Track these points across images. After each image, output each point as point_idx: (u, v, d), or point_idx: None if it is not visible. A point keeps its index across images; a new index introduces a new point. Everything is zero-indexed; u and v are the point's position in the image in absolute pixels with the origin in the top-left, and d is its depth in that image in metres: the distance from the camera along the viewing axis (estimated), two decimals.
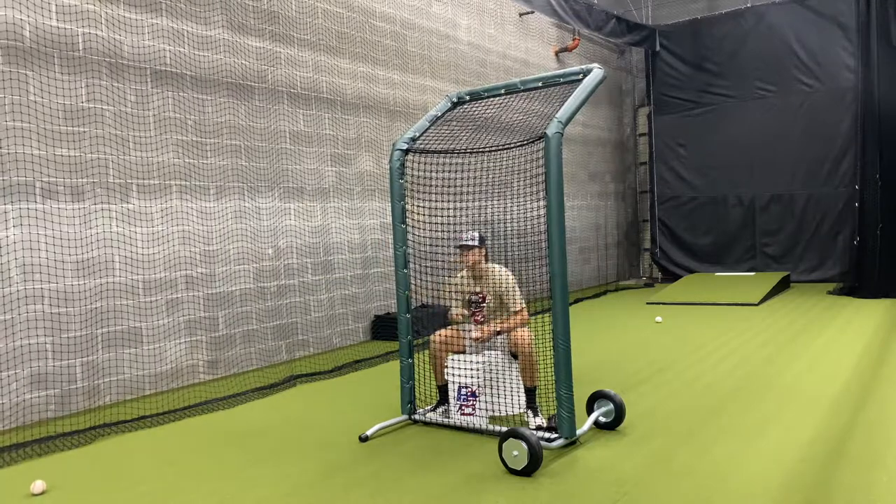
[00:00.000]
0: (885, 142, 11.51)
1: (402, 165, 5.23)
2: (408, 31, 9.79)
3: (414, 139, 5.29)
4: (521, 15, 12.30)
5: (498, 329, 5.06)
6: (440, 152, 5.25)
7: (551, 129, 4.34)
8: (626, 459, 4.28)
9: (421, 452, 4.61)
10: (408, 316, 5.23)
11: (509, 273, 5.16)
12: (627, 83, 15.91)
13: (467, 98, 5.42)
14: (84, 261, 6.08)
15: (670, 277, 14.51)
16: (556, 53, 13.46)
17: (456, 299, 5.34)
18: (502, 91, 5.25)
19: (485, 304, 5.22)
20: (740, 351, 7.41)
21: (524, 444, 4.03)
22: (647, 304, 11.51)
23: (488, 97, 5.36)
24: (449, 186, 5.23)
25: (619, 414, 4.82)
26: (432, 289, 5.27)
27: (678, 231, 14.94)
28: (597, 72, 4.75)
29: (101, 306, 6.19)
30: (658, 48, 14.85)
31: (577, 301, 12.08)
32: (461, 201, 5.21)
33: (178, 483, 4.24)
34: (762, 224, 13.94)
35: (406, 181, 5.24)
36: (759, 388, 5.87)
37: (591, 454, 4.39)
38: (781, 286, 12.25)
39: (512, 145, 4.86)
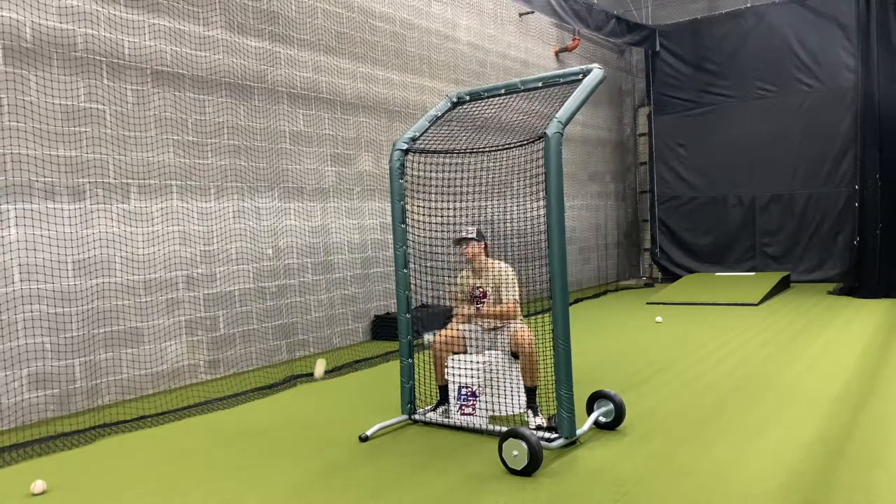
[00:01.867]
0: (885, 142, 11.50)
1: (402, 165, 5.22)
2: (407, 31, 9.79)
3: (414, 139, 5.28)
4: (520, 15, 12.29)
5: (479, 313, 5.09)
6: (440, 152, 5.24)
7: (551, 129, 4.34)
8: (626, 459, 4.28)
9: (421, 452, 4.60)
10: (408, 316, 5.23)
11: (510, 268, 5.16)
12: (627, 83, 15.90)
13: (467, 98, 5.41)
14: (83, 261, 6.08)
15: (670, 277, 14.50)
16: (556, 53, 13.46)
17: (455, 298, 5.35)
18: (502, 91, 5.24)
19: (486, 300, 5.22)
20: (740, 351, 7.41)
21: (524, 444, 4.03)
22: (648, 304, 11.51)
23: (488, 97, 5.35)
24: (449, 186, 5.23)
25: (618, 414, 4.82)
26: (433, 289, 5.27)
27: (678, 231, 14.94)
28: (596, 72, 4.74)
29: (100, 306, 6.19)
30: (658, 48, 14.85)
31: (577, 301, 12.08)
32: (461, 201, 5.21)
33: (178, 483, 4.24)
34: (762, 224, 13.94)
35: (406, 181, 5.24)
36: (759, 388, 5.86)
37: (592, 454, 4.39)
38: (781, 286, 12.25)
39: (512, 145, 4.85)
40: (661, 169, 15.13)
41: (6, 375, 5.57)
